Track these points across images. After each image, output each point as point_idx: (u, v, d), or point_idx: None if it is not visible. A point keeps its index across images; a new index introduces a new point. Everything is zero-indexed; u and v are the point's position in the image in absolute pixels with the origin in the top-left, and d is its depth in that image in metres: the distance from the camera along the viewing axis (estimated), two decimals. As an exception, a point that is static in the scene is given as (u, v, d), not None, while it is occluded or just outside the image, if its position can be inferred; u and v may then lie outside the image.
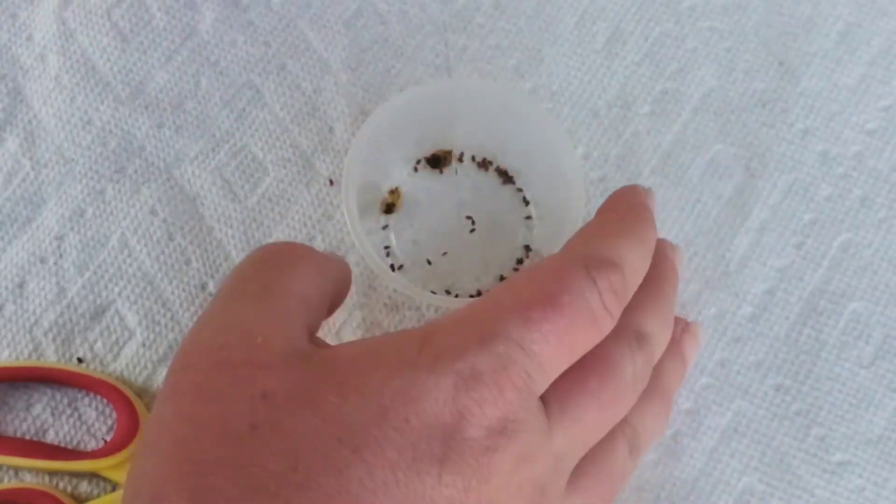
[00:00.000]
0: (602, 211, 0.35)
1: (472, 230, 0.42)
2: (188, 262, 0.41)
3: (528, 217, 0.42)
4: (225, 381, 0.28)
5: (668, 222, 0.42)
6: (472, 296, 0.41)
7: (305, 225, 0.42)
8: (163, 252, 0.41)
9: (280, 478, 0.26)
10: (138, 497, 0.27)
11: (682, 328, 0.38)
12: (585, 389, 0.30)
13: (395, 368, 0.28)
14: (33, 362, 0.39)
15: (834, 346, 0.40)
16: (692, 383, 0.39)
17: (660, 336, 0.34)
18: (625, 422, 0.33)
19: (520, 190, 0.42)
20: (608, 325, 0.30)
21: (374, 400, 0.27)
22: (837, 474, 0.38)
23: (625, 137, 0.43)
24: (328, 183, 0.42)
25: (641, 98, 0.44)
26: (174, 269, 0.41)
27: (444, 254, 0.41)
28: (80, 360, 0.40)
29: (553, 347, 0.29)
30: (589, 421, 0.31)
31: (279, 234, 0.42)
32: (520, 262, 0.41)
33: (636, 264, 0.32)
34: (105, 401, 0.39)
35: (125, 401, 0.38)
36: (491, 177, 0.42)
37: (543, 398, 0.30)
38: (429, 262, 0.41)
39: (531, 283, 0.30)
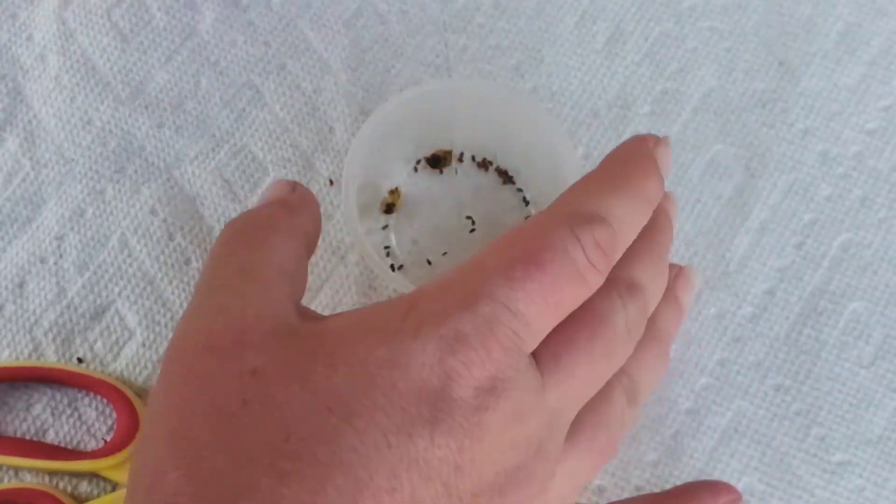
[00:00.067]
0: (600, 165, 0.34)
1: (472, 230, 0.42)
2: (188, 262, 0.41)
3: (528, 217, 0.42)
4: (214, 364, 0.28)
5: (668, 222, 0.42)
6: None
7: (305, 225, 0.42)
8: (163, 252, 0.41)
9: (273, 449, 0.26)
10: (139, 480, 0.28)
11: (675, 273, 0.37)
12: (576, 343, 0.30)
13: (380, 337, 0.28)
14: (33, 362, 0.39)
15: (834, 346, 0.40)
16: (692, 383, 0.39)
17: (652, 285, 0.34)
18: (622, 371, 0.33)
19: (520, 190, 0.42)
20: (596, 281, 0.30)
21: (361, 369, 0.27)
22: (837, 474, 0.38)
23: (625, 137, 0.43)
24: (328, 183, 0.42)
25: (641, 98, 0.44)
26: (174, 269, 0.41)
27: (444, 254, 0.41)
28: (80, 360, 0.40)
29: (539, 306, 0.28)
30: (582, 374, 0.30)
31: (279, 234, 0.42)
32: (520, 262, 0.41)
33: (628, 218, 0.32)
34: (105, 401, 0.39)
35: (125, 401, 0.38)
36: (491, 177, 0.42)
37: (535, 355, 0.29)
38: (429, 262, 0.41)
39: (514, 243, 0.30)
